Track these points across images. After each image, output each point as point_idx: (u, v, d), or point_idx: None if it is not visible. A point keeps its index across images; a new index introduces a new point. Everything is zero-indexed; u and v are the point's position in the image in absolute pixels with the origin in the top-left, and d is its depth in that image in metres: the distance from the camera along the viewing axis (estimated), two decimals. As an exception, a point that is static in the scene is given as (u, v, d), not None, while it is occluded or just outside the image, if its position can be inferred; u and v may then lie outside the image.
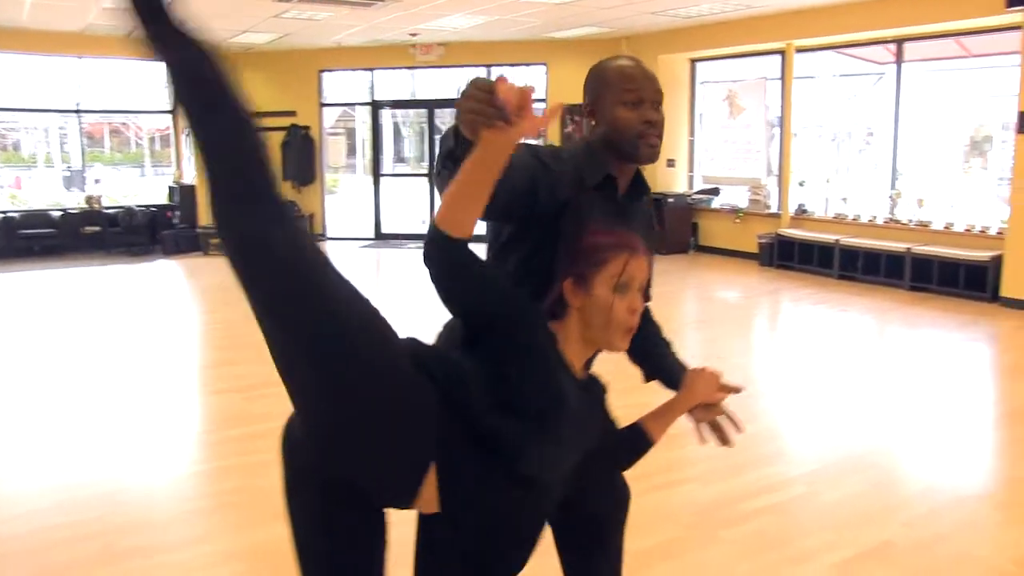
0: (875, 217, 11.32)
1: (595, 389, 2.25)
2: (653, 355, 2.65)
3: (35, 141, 23.23)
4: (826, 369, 7.16)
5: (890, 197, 11.24)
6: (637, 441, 2.41)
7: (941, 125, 12.10)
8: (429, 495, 1.89)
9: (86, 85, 15.00)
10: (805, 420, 5.89)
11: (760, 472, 4.91)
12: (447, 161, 1.94)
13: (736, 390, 2.53)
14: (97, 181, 16.11)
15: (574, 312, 2.06)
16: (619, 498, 2.68)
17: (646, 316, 2.55)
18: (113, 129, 24.66)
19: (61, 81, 15.04)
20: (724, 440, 2.55)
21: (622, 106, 2.34)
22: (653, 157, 2.38)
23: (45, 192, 18.45)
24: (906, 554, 3.92)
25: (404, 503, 1.93)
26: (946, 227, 10.42)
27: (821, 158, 13.27)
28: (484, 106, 1.71)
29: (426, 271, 1.93)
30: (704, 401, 2.48)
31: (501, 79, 1.72)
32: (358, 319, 1.83)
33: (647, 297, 2.31)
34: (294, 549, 2.14)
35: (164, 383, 6.85)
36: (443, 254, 1.87)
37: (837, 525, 4.21)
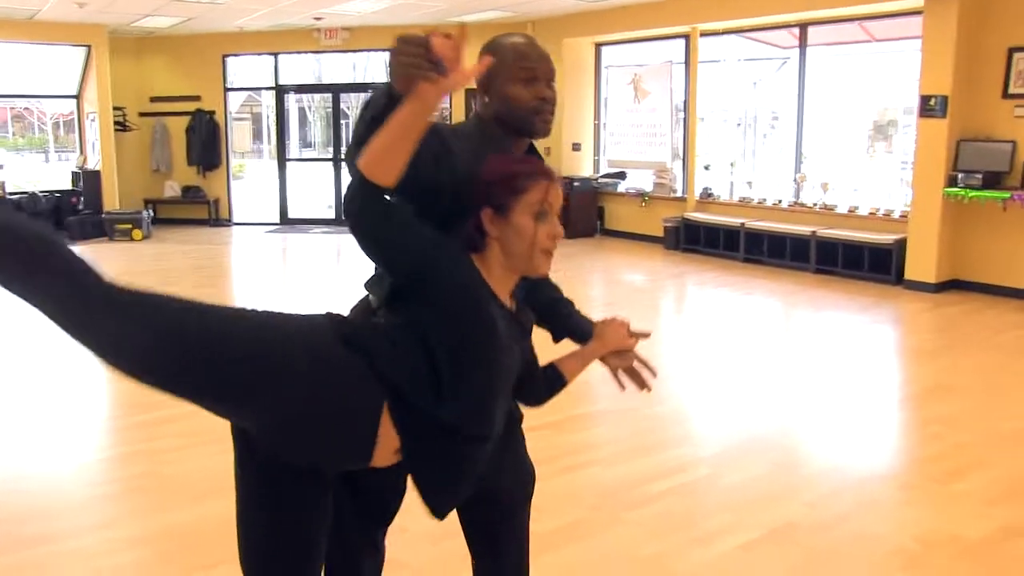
0: (780, 201, 11.40)
1: (524, 319, 2.26)
2: (560, 315, 2.64)
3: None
4: (731, 352, 7.14)
5: (795, 181, 11.34)
6: (553, 378, 2.44)
7: (846, 109, 12.26)
8: (385, 444, 1.95)
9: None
10: (710, 403, 5.85)
11: (664, 454, 4.84)
12: (372, 124, 1.92)
13: (645, 335, 2.56)
14: (1, 166, 15.61)
15: (493, 243, 2.07)
16: (524, 477, 2.66)
17: (545, 280, 2.55)
18: (15, 114, 24.04)
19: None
20: (641, 384, 2.57)
21: (516, 83, 2.35)
22: (547, 132, 2.40)
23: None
24: (809, 534, 3.87)
25: (363, 462, 1.99)
26: (851, 211, 10.52)
27: (726, 142, 13.34)
28: (420, 59, 1.78)
29: (351, 226, 1.92)
30: (616, 348, 2.51)
31: (433, 32, 1.80)
32: (253, 341, 1.89)
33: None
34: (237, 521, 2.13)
35: (69, 370, 6.64)
36: (372, 202, 1.88)
37: (741, 506, 4.15)
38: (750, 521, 3.98)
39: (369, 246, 1.95)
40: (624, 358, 2.53)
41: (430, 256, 1.96)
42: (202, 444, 4.97)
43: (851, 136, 12.44)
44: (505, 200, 2.04)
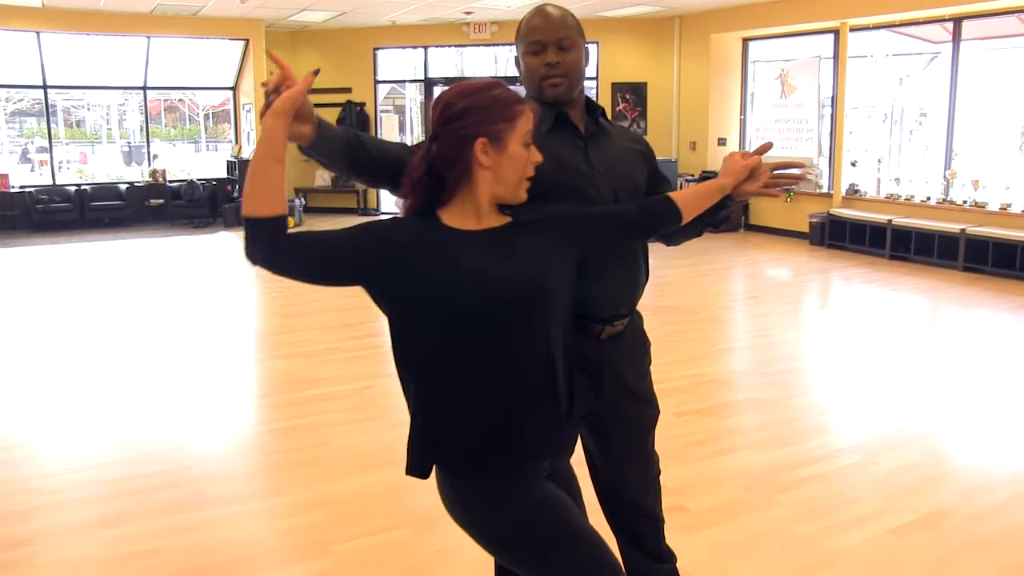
0: (929, 198, 11.25)
1: (527, 219, 2.16)
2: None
3: (97, 118, 23.71)
4: (876, 347, 7.15)
5: (944, 178, 11.16)
6: (663, 211, 2.39)
7: (1000, 105, 11.94)
8: None
9: (151, 63, 15.35)
10: (855, 395, 5.91)
11: (812, 442, 4.97)
12: None
13: (765, 148, 2.55)
14: (155, 156, 16.44)
15: (483, 173, 2.04)
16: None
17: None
18: (169, 106, 25.01)
19: (126, 59, 15.41)
20: (791, 180, 2.56)
21: (529, 56, 2.54)
22: (558, 96, 2.52)
23: (107, 167, 18.82)
24: (961, 523, 3.96)
25: None
26: (1002, 208, 10.32)
27: (872, 138, 13.16)
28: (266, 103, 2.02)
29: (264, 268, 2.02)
30: (736, 172, 2.46)
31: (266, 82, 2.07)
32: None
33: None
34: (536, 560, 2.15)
35: (236, 349, 7.22)
36: (265, 234, 1.96)
37: (891, 493, 4.25)
38: (901, 507, 4.08)
39: (276, 268, 2.01)
40: (757, 178, 2.48)
41: (355, 249, 2.03)
42: (367, 420, 5.33)
43: (1004, 133, 12.11)
44: (499, 129, 2.03)
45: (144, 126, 17.35)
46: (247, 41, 15.10)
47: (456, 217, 2.07)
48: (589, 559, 2.11)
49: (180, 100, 24.72)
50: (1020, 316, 8.11)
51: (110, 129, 23.36)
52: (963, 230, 10.25)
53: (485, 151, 2.01)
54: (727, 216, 2.61)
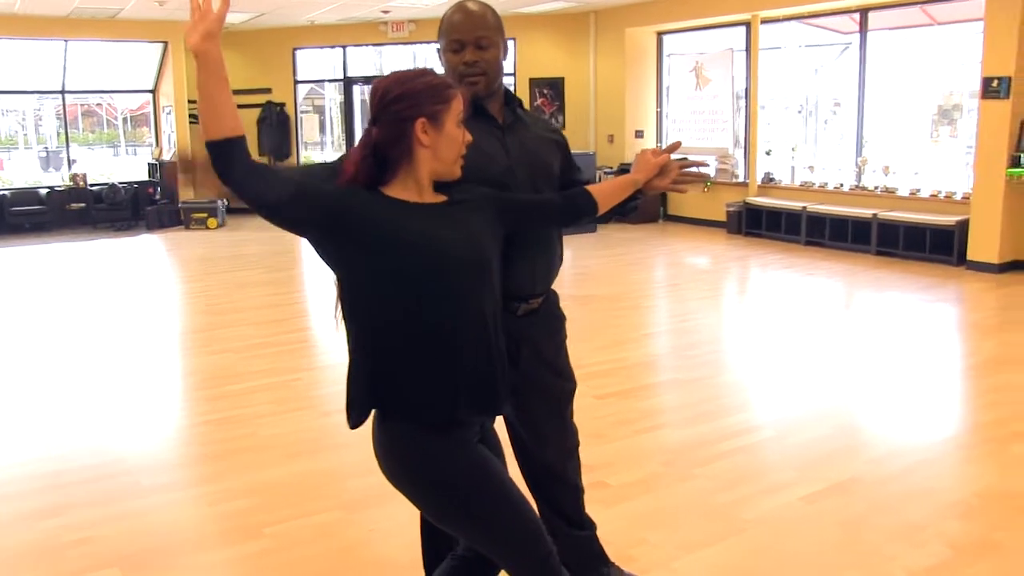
0: (841, 185, 11.50)
1: (462, 198, 2.31)
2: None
3: (12, 123, 23.22)
4: (793, 329, 7.31)
5: (856, 165, 11.42)
6: (582, 202, 2.58)
7: (908, 93, 12.25)
8: None
9: (69, 67, 15.07)
10: (773, 375, 6.04)
11: (730, 419, 5.07)
12: None
13: (676, 146, 2.73)
14: (74, 161, 16.20)
15: (423, 152, 2.18)
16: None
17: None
18: (87, 110, 24.57)
19: (42, 63, 15.12)
20: (696, 177, 2.77)
21: (449, 52, 2.63)
22: (477, 92, 2.61)
23: (25, 173, 18.46)
24: (871, 487, 4.08)
25: None
26: (912, 193, 10.57)
27: (787, 129, 13.41)
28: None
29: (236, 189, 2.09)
30: (647, 168, 2.65)
31: None
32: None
33: None
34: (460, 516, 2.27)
35: (165, 346, 7.18)
36: (226, 154, 2.04)
37: (806, 463, 4.37)
38: (814, 476, 4.19)
39: (250, 196, 2.08)
40: (666, 175, 2.67)
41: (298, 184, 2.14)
42: (296, 410, 5.34)
43: (914, 120, 12.42)
44: (438, 110, 2.17)
45: (63, 130, 17.11)
46: (166, 43, 14.90)
47: (398, 192, 2.20)
48: (516, 521, 2.22)
49: (98, 104, 24.31)
50: (929, 296, 8.33)
51: (26, 135, 22.89)
52: (875, 215, 10.50)
53: (425, 130, 2.16)
54: (635, 207, 2.79)
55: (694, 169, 2.74)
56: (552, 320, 2.87)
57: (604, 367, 5.99)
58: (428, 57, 16.75)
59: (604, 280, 9.40)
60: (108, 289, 9.76)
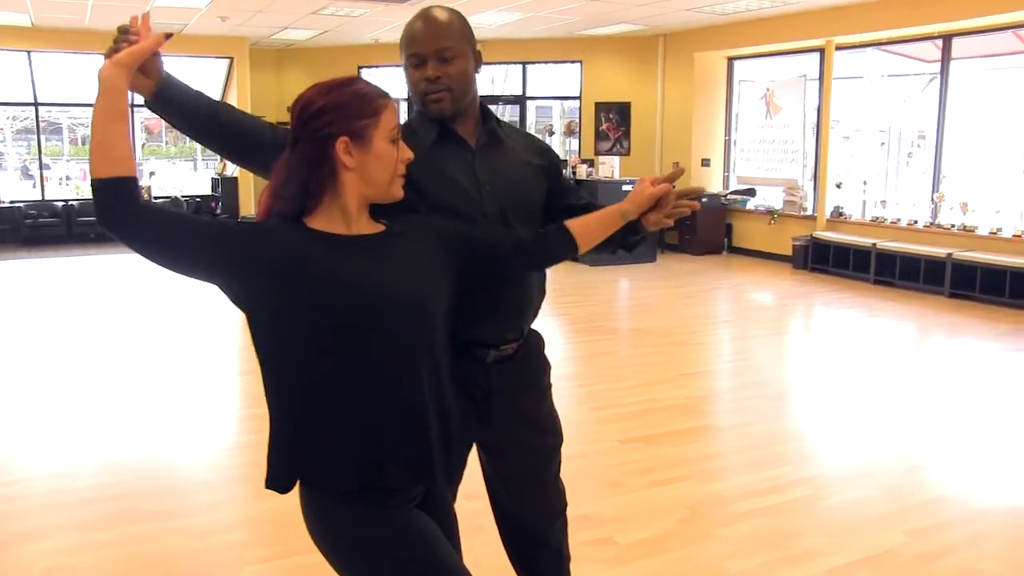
0: (916, 221, 10.91)
1: (403, 229, 2.01)
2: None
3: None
4: (855, 374, 6.78)
5: (932, 200, 10.83)
6: (557, 243, 2.25)
7: (993, 126, 11.59)
8: None
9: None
10: (825, 424, 5.56)
11: (763, 474, 4.61)
12: None
13: (678, 173, 2.34)
14: (152, 174, 16.56)
15: (348, 175, 1.88)
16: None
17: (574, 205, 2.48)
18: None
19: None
20: (690, 207, 2.30)
21: (410, 69, 2.31)
22: (442, 111, 2.29)
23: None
24: (910, 564, 3.60)
25: None
26: (992, 233, 9.97)
27: (869, 161, 12.84)
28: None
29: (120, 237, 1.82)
30: (641, 199, 2.25)
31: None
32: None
33: None
34: None
35: (216, 364, 7.18)
36: (109, 196, 1.78)
37: (838, 530, 3.90)
38: (847, 544, 3.73)
39: (123, 237, 1.81)
40: (662, 208, 2.28)
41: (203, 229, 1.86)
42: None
43: (998, 155, 11.74)
44: (362, 126, 1.87)
45: (144, 143, 17.58)
46: (231, 59, 14.99)
47: (324, 223, 1.91)
48: None
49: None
50: (1006, 344, 7.73)
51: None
52: (950, 254, 9.90)
53: (348, 151, 1.86)
54: (639, 242, 2.42)
55: (688, 200, 2.30)
56: (531, 367, 2.50)
57: (635, 408, 5.55)
58: (495, 77, 16.59)
59: (656, 312, 8.91)
60: (170, 301, 9.67)
